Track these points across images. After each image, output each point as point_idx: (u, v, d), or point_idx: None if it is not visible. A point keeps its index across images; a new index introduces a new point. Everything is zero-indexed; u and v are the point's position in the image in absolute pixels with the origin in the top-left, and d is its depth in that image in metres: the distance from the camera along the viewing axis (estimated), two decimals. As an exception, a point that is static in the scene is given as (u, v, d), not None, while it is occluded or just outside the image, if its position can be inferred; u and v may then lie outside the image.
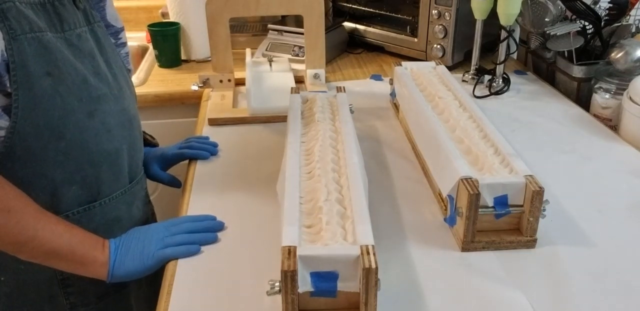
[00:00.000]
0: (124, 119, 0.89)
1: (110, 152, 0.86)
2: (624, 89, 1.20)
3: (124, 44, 0.99)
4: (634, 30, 1.34)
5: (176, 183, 1.10)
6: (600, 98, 1.26)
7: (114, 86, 0.87)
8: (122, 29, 0.98)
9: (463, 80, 1.46)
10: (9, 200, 0.73)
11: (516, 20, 1.35)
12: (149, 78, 1.56)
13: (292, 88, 1.17)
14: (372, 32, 1.69)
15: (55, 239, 0.76)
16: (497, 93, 1.39)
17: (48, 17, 0.79)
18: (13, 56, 0.73)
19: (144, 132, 1.09)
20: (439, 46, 1.52)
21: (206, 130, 1.23)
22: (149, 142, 1.13)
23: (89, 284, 0.88)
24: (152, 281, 0.88)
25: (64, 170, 0.81)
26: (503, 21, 1.33)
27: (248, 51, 1.46)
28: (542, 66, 1.52)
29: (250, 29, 1.79)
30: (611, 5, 1.33)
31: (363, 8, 1.73)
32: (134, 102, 0.94)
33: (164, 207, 1.19)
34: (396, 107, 1.29)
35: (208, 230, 0.87)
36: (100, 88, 0.84)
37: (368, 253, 0.66)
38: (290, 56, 1.55)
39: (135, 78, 1.50)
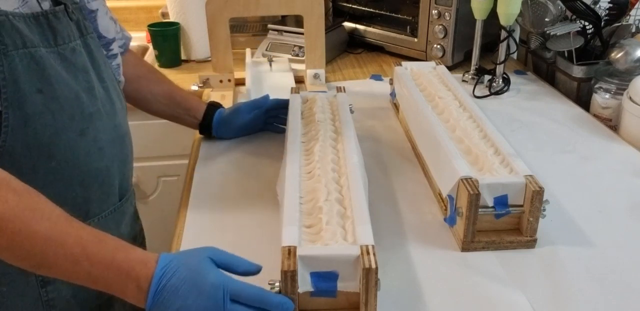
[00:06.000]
0: (115, 136, 0.85)
1: (101, 170, 0.82)
2: (624, 89, 1.20)
3: (116, 56, 0.95)
4: (634, 30, 1.34)
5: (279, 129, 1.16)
6: (600, 98, 1.26)
7: (106, 102, 0.84)
8: (113, 40, 0.94)
9: (463, 80, 1.46)
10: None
11: (516, 20, 1.35)
12: (149, 79, 1.55)
13: (292, 88, 1.17)
14: (372, 32, 1.69)
15: (69, 267, 0.64)
16: (497, 93, 1.39)
17: (41, 31, 0.75)
18: (4, 73, 0.69)
19: (214, 103, 1.17)
20: (439, 46, 1.52)
21: (206, 130, 1.22)
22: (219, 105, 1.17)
23: (74, 305, 0.83)
24: None
25: (54, 190, 0.76)
26: (503, 21, 1.33)
27: (248, 51, 1.46)
28: (542, 66, 1.52)
29: (250, 29, 1.79)
30: (611, 5, 1.33)
31: (363, 8, 1.73)
32: (125, 117, 0.91)
33: (165, 206, 1.19)
34: (396, 107, 1.29)
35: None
36: (94, 104, 0.80)
37: (368, 253, 0.66)
38: (290, 56, 1.55)
39: (135, 79, 1.49)
